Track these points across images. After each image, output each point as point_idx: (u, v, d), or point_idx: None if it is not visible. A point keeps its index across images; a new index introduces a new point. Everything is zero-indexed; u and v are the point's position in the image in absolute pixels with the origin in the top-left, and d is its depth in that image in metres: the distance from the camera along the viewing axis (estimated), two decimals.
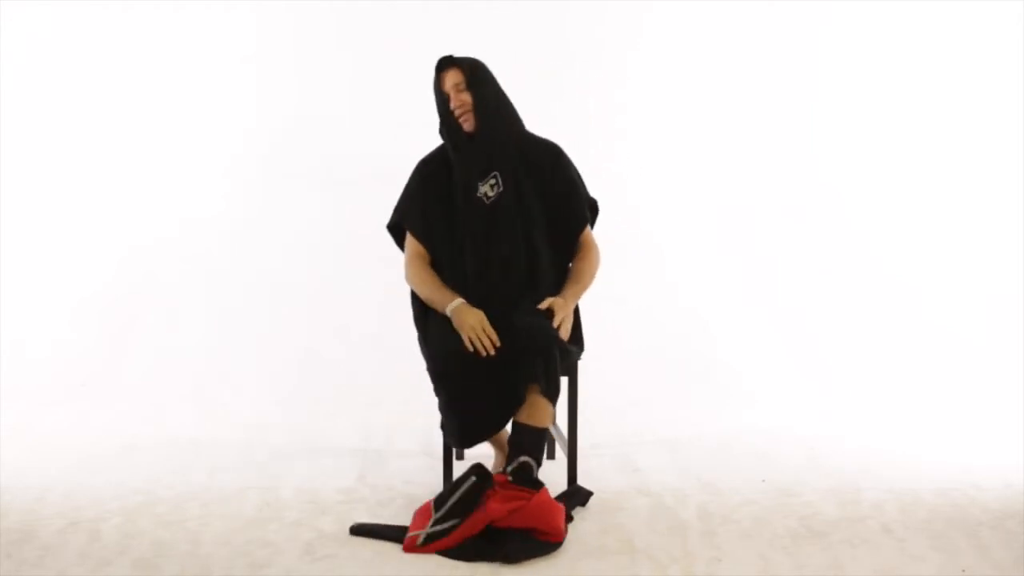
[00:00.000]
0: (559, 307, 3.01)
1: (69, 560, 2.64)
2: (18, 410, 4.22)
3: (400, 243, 3.26)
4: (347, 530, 2.84)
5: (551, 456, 3.66)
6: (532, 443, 2.88)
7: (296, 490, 3.23)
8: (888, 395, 4.51)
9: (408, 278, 3.17)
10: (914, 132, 4.97)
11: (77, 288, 4.83)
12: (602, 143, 4.90)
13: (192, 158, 4.92)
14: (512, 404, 2.91)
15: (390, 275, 3.91)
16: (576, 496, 3.07)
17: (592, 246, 3.23)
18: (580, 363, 3.20)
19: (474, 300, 3.02)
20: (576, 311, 3.17)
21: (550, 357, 2.90)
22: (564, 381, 3.40)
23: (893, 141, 4.98)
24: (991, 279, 4.90)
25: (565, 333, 3.00)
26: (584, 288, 3.15)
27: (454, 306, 2.99)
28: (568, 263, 3.21)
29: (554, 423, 3.18)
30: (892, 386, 4.58)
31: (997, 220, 4.94)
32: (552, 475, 3.41)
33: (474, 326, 2.93)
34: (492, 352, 2.91)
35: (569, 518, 2.87)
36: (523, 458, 2.84)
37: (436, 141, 3.21)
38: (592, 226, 3.29)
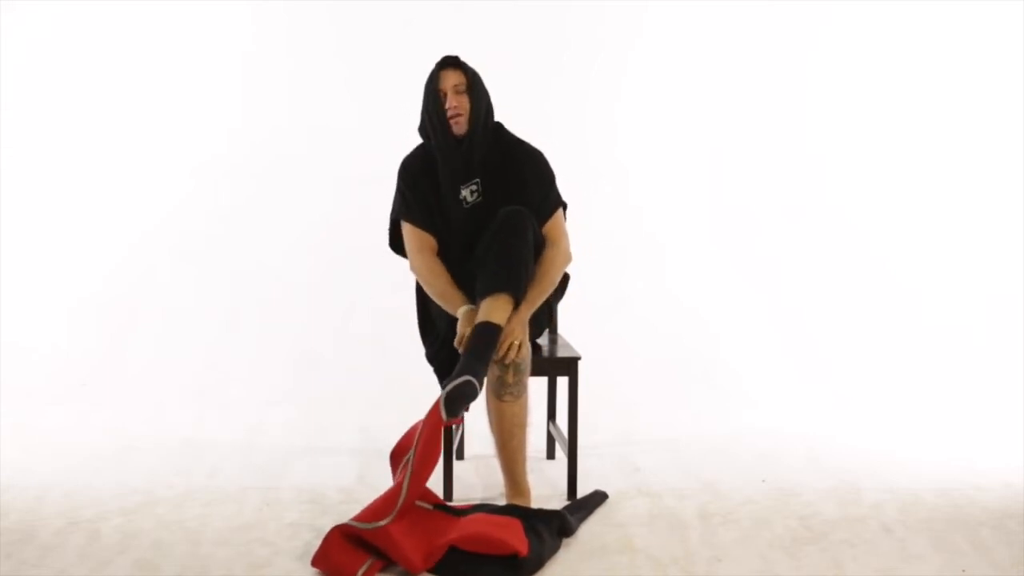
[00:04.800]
0: (509, 334, 2.90)
1: (69, 560, 2.64)
2: (18, 410, 4.22)
3: (401, 251, 3.23)
4: None
5: (551, 456, 3.67)
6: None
7: (296, 490, 3.23)
8: (889, 395, 4.52)
9: (416, 269, 3.12)
10: (916, 132, 4.97)
11: (76, 288, 4.83)
12: (603, 144, 4.90)
13: (191, 158, 4.91)
14: None
15: (390, 275, 3.92)
16: (592, 500, 3.09)
17: (558, 241, 3.09)
18: (581, 363, 3.19)
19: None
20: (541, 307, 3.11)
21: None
22: (564, 381, 3.41)
23: (895, 142, 4.97)
24: (991, 279, 4.90)
25: (516, 351, 2.91)
26: (542, 291, 3.02)
27: (463, 311, 2.98)
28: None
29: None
30: (892, 386, 4.59)
31: (997, 220, 4.94)
32: (552, 475, 3.42)
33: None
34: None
35: (569, 532, 2.85)
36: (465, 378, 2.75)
37: None
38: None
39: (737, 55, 4.97)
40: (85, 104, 4.89)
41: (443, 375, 3.11)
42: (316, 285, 4.88)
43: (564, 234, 3.14)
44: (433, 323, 3.19)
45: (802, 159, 4.98)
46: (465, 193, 3.10)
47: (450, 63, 3.08)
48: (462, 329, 2.93)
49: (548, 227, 3.10)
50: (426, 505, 2.86)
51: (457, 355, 2.94)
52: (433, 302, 3.12)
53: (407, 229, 3.15)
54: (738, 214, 4.97)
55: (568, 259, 3.13)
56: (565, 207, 3.20)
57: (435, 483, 3.14)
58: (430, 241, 3.13)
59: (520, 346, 2.91)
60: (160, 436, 3.92)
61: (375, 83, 4.88)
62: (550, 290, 3.07)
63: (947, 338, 4.82)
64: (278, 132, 4.93)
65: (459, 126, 3.06)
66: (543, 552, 2.64)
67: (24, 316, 4.78)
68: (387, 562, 2.59)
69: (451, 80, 3.06)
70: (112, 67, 4.89)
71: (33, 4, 4.83)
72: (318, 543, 2.69)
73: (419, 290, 3.22)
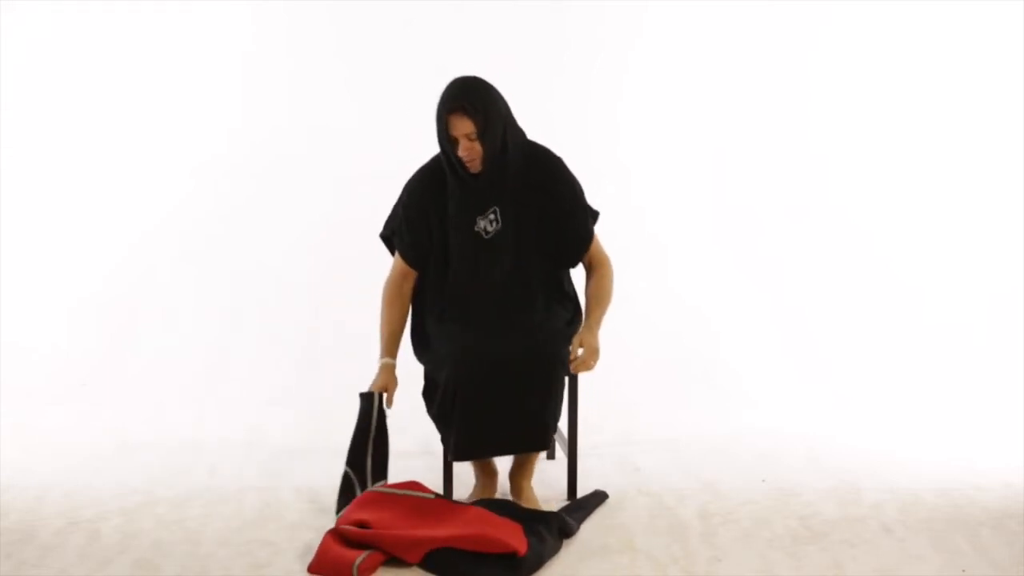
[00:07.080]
0: (589, 349, 2.95)
1: (69, 560, 2.64)
2: (18, 410, 4.22)
3: (392, 250, 3.21)
4: None
5: (551, 456, 3.67)
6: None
7: (296, 490, 3.23)
8: (889, 395, 4.51)
9: (383, 295, 3.15)
10: (917, 133, 4.96)
11: (76, 288, 4.82)
12: (605, 144, 4.90)
13: (191, 158, 4.91)
14: (527, 442, 2.99)
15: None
16: (592, 500, 3.09)
17: (603, 261, 3.13)
18: None
19: (463, 320, 3.03)
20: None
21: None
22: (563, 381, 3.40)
23: (896, 142, 4.97)
24: (992, 279, 4.90)
25: (584, 364, 2.96)
26: (605, 310, 3.08)
27: (382, 363, 3.10)
28: (567, 272, 3.19)
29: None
30: (893, 386, 4.58)
31: (998, 220, 4.94)
32: (552, 475, 3.42)
33: (381, 387, 3.07)
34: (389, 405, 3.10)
35: (570, 532, 2.84)
36: None
37: (431, 140, 3.10)
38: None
39: (739, 54, 4.96)
40: (85, 104, 4.89)
41: (447, 425, 3.02)
42: (316, 285, 4.88)
43: (604, 253, 3.16)
44: (435, 383, 3.08)
45: (804, 159, 4.97)
46: (484, 224, 3.03)
47: (457, 108, 2.91)
48: (380, 380, 3.08)
49: (592, 253, 3.13)
50: (427, 495, 2.86)
51: (450, 408, 2.95)
52: (436, 361, 3.05)
53: (397, 256, 3.15)
54: (740, 214, 4.97)
55: (612, 271, 3.15)
56: (596, 217, 3.19)
57: (435, 483, 3.15)
58: (406, 271, 3.13)
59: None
60: (160, 436, 3.92)
61: (375, 83, 4.88)
62: (609, 305, 3.10)
63: (947, 338, 4.81)
64: (278, 132, 4.93)
65: (474, 167, 2.98)
66: (543, 552, 2.64)
67: (24, 316, 4.78)
68: (385, 555, 2.60)
69: (462, 129, 2.91)
70: (112, 67, 4.88)
71: (33, 4, 4.83)
72: (318, 543, 2.70)
73: (416, 349, 3.20)
